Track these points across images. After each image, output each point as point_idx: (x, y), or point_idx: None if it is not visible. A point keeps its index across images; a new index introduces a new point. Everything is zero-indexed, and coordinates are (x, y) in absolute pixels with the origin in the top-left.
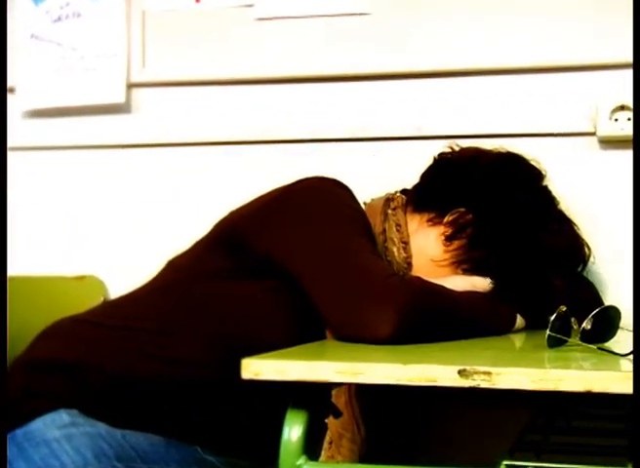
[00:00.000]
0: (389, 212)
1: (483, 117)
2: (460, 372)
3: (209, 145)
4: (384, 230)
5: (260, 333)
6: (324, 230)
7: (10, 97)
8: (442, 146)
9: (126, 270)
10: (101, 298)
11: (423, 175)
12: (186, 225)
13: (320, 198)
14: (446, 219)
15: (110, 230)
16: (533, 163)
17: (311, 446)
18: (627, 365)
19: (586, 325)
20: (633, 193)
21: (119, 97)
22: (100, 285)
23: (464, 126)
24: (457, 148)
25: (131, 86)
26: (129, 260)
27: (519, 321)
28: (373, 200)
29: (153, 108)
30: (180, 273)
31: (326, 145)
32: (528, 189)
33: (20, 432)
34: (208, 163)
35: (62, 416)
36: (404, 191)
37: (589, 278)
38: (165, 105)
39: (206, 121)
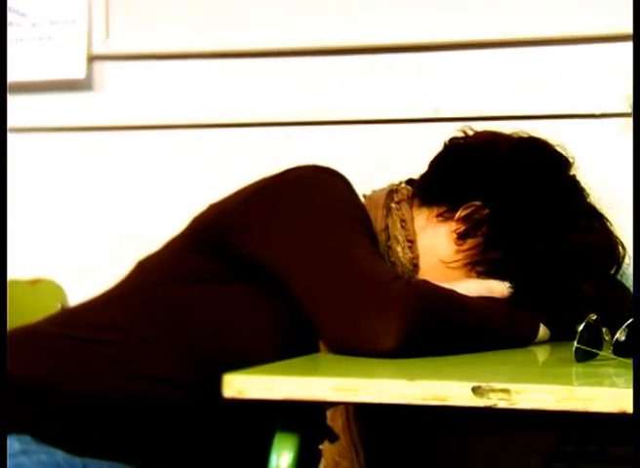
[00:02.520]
0: (393, 205)
1: (502, 96)
2: (474, 390)
3: (183, 128)
4: (387, 227)
5: (243, 345)
6: (317, 227)
7: None
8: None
9: (87, 273)
10: (59, 305)
11: (432, 164)
12: (158, 221)
13: (313, 190)
14: (458, 214)
15: (69, 227)
16: (558, 149)
17: None
18: None
19: (620, 336)
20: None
21: (79, 72)
22: (56, 289)
23: (483, 106)
24: (470, 132)
25: (92, 58)
26: (90, 262)
27: (542, 331)
28: (374, 192)
29: (118, 85)
30: (152, 276)
31: (323, 129)
32: (553, 180)
33: None
34: (182, 149)
35: (12, 443)
36: (410, 182)
37: (624, 282)
38: (132, 82)
39: (179, 100)
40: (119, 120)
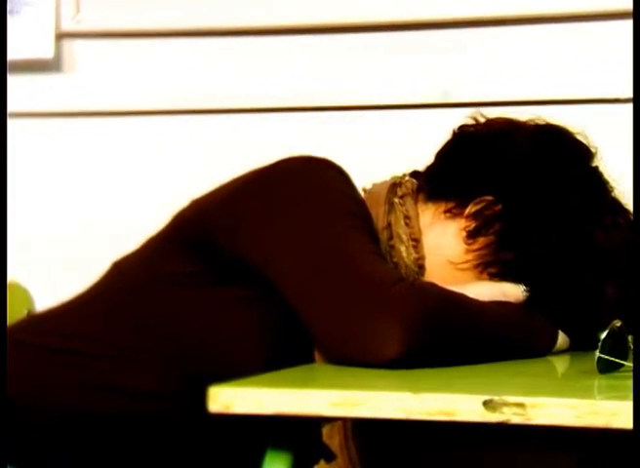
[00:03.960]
0: (396, 200)
1: (518, 78)
2: (485, 404)
3: (162, 115)
4: (389, 224)
5: (231, 355)
6: (311, 225)
7: None
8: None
9: (56, 275)
10: (25, 311)
11: (440, 154)
12: (136, 218)
13: (306, 183)
14: (468, 210)
15: (36, 225)
16: (580, 138)
17: None
18: None
19: None
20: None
21: (46, 51)
22: (23, 293)
23: (496, 90)
24: (482, 119)
25: (61, 36)
26: (59, 262)
27: (561, 339)
28: (375, 185)
29: (90, 66)
30: (130, 279)
31: (317, 115)
32: (573, 172)
33: None
34: (161, 138)
35: None
36: (414, 174)
37: None
38: (105, 62)
39: (158, 83)
40: (91, 105)
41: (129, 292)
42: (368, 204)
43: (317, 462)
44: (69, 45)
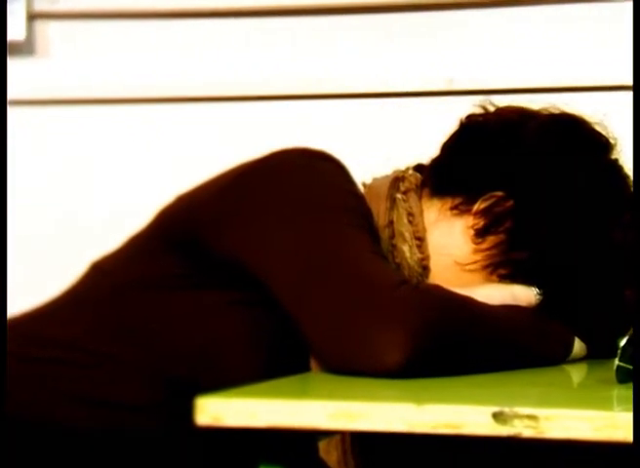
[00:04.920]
0: (398, 196)
1: (529, 63)
2: (495, 416)
3: (143, 103)
4: (391, 222)
5: (220, 363)
6: (308, 223)
7: None
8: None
9: (29, 276)
10: None
11: (445, 146)
12: (118, 215)
13: (301, 177)
14: (477, 207)
15: (9, 222)
16: (598, 128)
17: None
18: None
19: None
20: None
21: (18, 33)
22: None
23: (506, 76)
24: (491, 108)
25: (34, 17)
26: (32, 261)
27: (577, 346)
28: (375, 180)
29: (65, 49)
30: (109, 281)
31: (312, 104)
32: (590, 165)
33: None
34: (143, 127)
35: None
36: (418, 168)
37: None
38: (82, 46)
39: (139, 69)
40: (66, 92)
41: (109, 296)
42: (368, 200)
43: None
44: (43, 26)
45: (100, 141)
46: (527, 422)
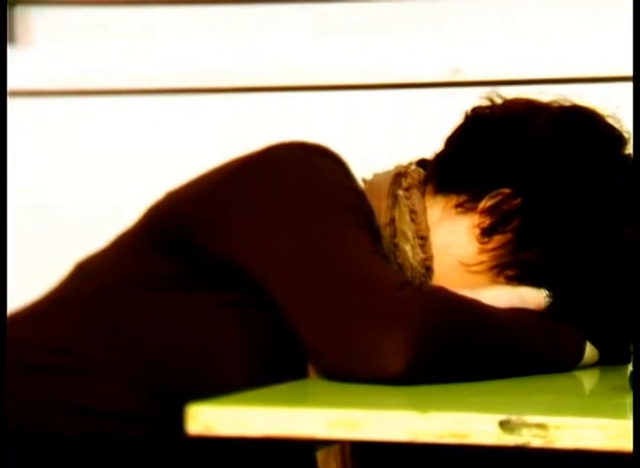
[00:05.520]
0: (400, 193)
1: (539, 53)
2: (501, 425)
3: (136, 94)
4: (393, 220)
5: (213, 369)
6: (304, 221)
7: None
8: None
9: (10, 278)
10: None
11: (450, 140)
12: (102, 212)
13: (298, 173)
14: (483, 205)
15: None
16: (611, 121)
17: None
18: None
19: None
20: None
21: None
22: None
23: (514, 66)
24: (499, 100)
25: (14, 3)
26: (13, 263)
27: (589, 352)
28: (376, 176)
29: (48, 38)
30: (96, 282)
31: (310, 95)
32: (603, 160)
33: None
34: (135, 121)
35: None
36: (421, 163)
37: None
38: (66, 34)
39: (128, 58)
40: (49, 83)
41: (96, 298)
42: (368, 197)
43: None
44: (24, 13)
45: (84, 133)
46: (535, 431)
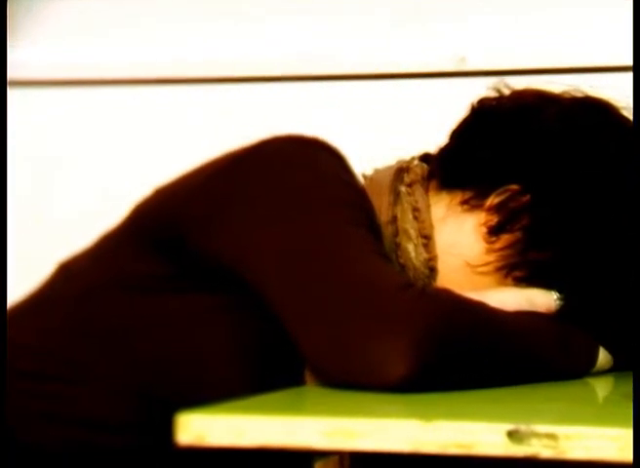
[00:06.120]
0: (403, 189)
1: (550, 41)
2: (510, 434)
3: (126, 84)
4: (395, 218)
5: (205, 376)
6: (301, 219)
7: None
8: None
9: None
10: None
11: (455, 133)
12: (86, 209)
13: (295, 169)
14: (490, 202)
15: None
16: (626, 113)
17: None
18: None
19: None
20: None
21: None
22: None
23: (523, 55)
24: (507, 91)
25: None
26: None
27: (602, 357)
28: (377, 171)
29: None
30: (80, 283)
31: (308, 86)
32: (618, 154)
33: None
34: (125, 111)
35: None
36: (425, 157)
37: None
38: (50, 23)
39: (121, 47)
40: (36, 72)
41: (80, 301)
42: (369, 193)
43: None
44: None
45: (71, 125)
46: (545, 441)
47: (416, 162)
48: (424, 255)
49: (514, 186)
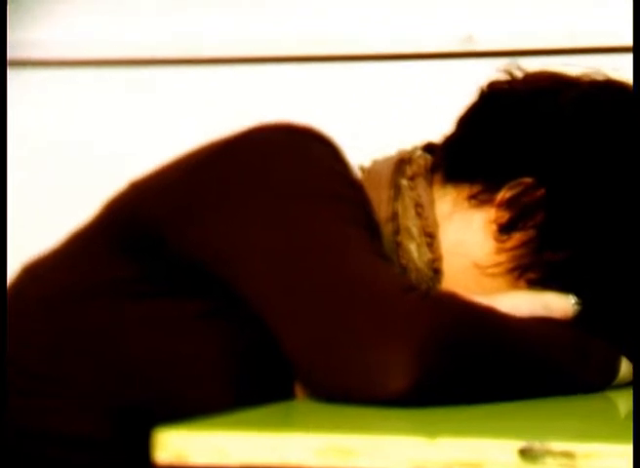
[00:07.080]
0: (404, 183)
1: (566, 17)
2: (522, 453)
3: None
4: (395, 215)
5: (185, 388)
6: (291, 215)
7: None
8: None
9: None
10: None
11: (462, 121)
12: (63, 204)
13: (284, 161)
14: (501, 196)
15: None
16: None
17: None
18: None
19: None
20: None
21: None
22: None
23: (536, 33)
24: (519, 73)
25: None
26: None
27: (624, 368)
28: (375, 163)
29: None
30: (47, 289)
31: (303, 68)
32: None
33: None
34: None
35: None
36: (429, 148)
37: None
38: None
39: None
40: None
41: (50, 307)
42: (366, 187)
43: None
44: None
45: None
46: (561, 460)
47: (418, 152)
48: (428, 256)
49: (528, 179)
